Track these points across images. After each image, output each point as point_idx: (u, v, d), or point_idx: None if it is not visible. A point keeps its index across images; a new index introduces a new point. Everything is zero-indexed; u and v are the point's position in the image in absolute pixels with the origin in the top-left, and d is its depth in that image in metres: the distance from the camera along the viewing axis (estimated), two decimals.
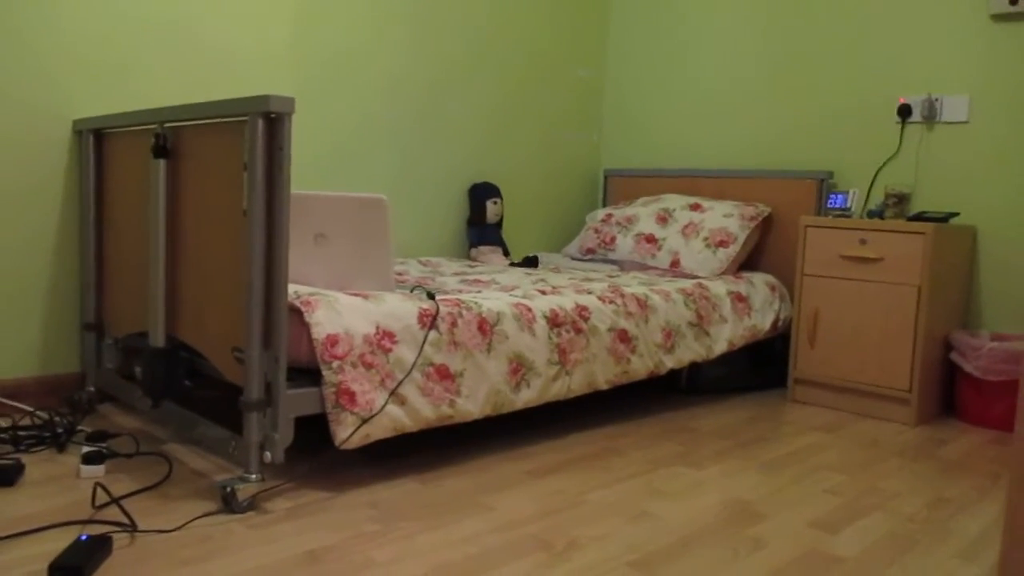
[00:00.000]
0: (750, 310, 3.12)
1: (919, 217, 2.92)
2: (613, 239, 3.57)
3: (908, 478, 2.26)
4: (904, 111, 3.21)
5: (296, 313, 1.91)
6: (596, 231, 3.66)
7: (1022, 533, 0.81)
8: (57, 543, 1.58)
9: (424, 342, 2.05)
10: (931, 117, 3.16)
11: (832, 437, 2.64)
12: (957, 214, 2.96)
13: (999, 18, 3.01)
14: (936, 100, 3.14)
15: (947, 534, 1.87)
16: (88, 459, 1.96)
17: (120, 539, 1.61)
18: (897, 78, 3.26)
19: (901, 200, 3.04)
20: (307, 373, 1.93)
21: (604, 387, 2.53)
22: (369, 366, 1.94)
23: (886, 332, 2.86)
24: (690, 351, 2.84)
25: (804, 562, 1.68)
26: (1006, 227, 3.02)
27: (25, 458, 2.05)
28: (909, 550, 1.77)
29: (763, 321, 3.16)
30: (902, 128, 3.25)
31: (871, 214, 3.06)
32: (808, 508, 1.99)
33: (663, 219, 3.50)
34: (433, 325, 2.08)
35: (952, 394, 3.02)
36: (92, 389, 2.52)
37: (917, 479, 2.25)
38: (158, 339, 2.11)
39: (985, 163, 3.06)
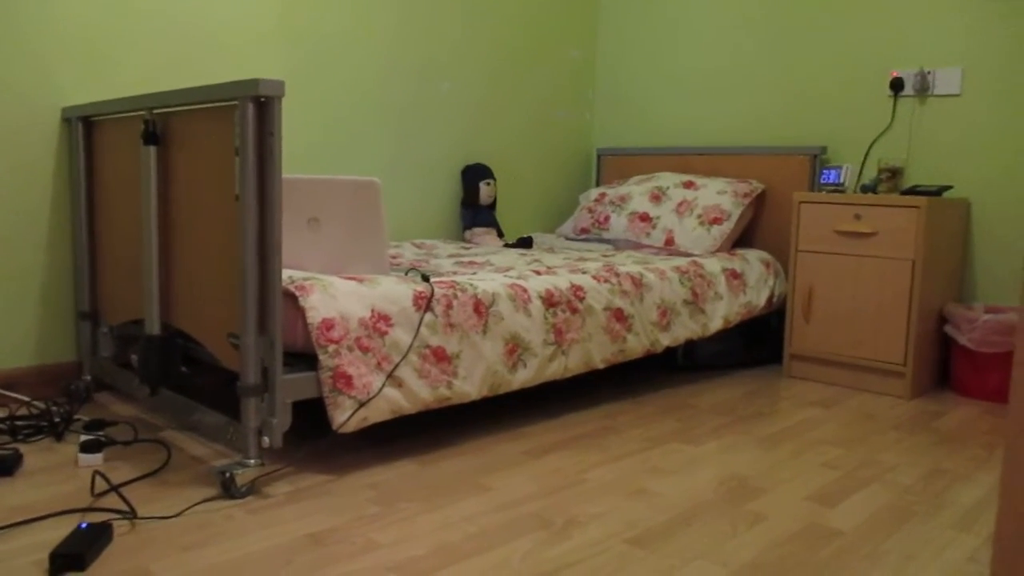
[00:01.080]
0: (745, 287, 3.12)
1: (912, 191, 2.92)
2: (607, 218, 3.56)
3: (904, 451, 2.27)
4: (896, 85, 3.20)
5: (291, 298, 1.91)
6: (590, 211, 3.65)
7: (1016, 504, 0.82)
8: (58, 531, 1.59)
9: (420, 324, 2.05)
10: (923, 90, 3.15)
11: (828, 411, 2.65)
12: (950, 187, 2.97)
13: None
14: (928, 73, 3.13)
15: (943, 505, 1.88)
16: (86, 447, 1.96)
17: (120, 526, 1.62)
18: (889, 52, 3.25)
19: (894, 174, 3.03)
20: (303, 358, 1.93)
21: (600, 366, 2.54)
22: (365, 349, 1.94)
23: (881, 306, 2.87)
24: (686, 329, 2.84)
25: (803, 536, 1.69)
26: (999, 200, 3.02)
27: (23, 448, 2.05)
28: (906, 521, 1.78)
29: (758, 298, 3.16)
30: (895, 102, 3.24)
31: (864, 189, 3.06)
32: (806, 482, 2.00)
33: (656, 197, 3.49)
34: (428, 307, 2.08)
35: (947, 367, 3.04)
36: (89, 378, 2.52)
37: (913, 451, 2.27)
38: (154, 327, 2.10)
39: (978, 136, 3.06)
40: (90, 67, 2.52)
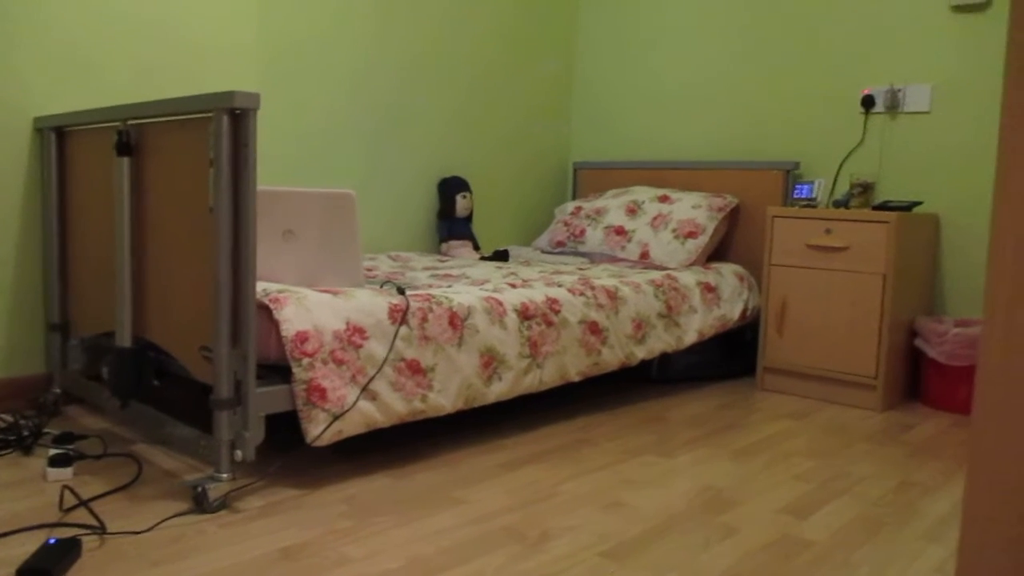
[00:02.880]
0: (719, 300, 3.15)
1: (883, 206, 2.96)
2: (583, 231, 3.58)
3: (875, 462, 2.30)
4: (867, 101, 3.25)
5: (265, 310, 1.90)
6: (566, 224, 3.67)
7: (979, 514, 0.83)
8: (25, 547, 1.56)
9: (395, 337, 2.05)
10: (894, 107, 3.20)
11: (801, 424, 2.67)
12: (920, 203, 3.01)
13: (960, 9, 3.05)
14: (899, 91, 3.19)
15: (913, 516, 1.90)
16: (55, 461, 1.93)
17: (90, 542, 1.60)
18: (860, 69, 3.31)
19: (866, 189, 3.08)
20: (277, 370, 1.92)
21: (576, 379, 2.55)
22: (340, 362, 1.94)
23: (853, 320, 2.90)
24: (660, 342, 2.86)
25: (775, 547, 1.70)
26: (968, 215, 3.07)
27: None
28: (876, 532, 1.80)
29: (732, 311, 3.19)
30: (866, 118, 3.29)
31: (836, 204, 3.10)
32: (778, 494, 2.01)
33: (632, 211, 3.52)
34: (404, 320, 2.08)
35: (917, 379, 3.08)
36: (58, 390, 2.48)
37: (884, 463, 2.29)
38: (125, 339, 2.08)
39: (947, 152, 3.11)
40: (63, 77, 2.50)
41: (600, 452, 2.30)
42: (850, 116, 3.34)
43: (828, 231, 2.95)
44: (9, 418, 2.29)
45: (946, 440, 2.55)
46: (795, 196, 3.18)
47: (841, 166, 3.36)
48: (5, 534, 1.61)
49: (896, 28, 3.21)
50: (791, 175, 3.43)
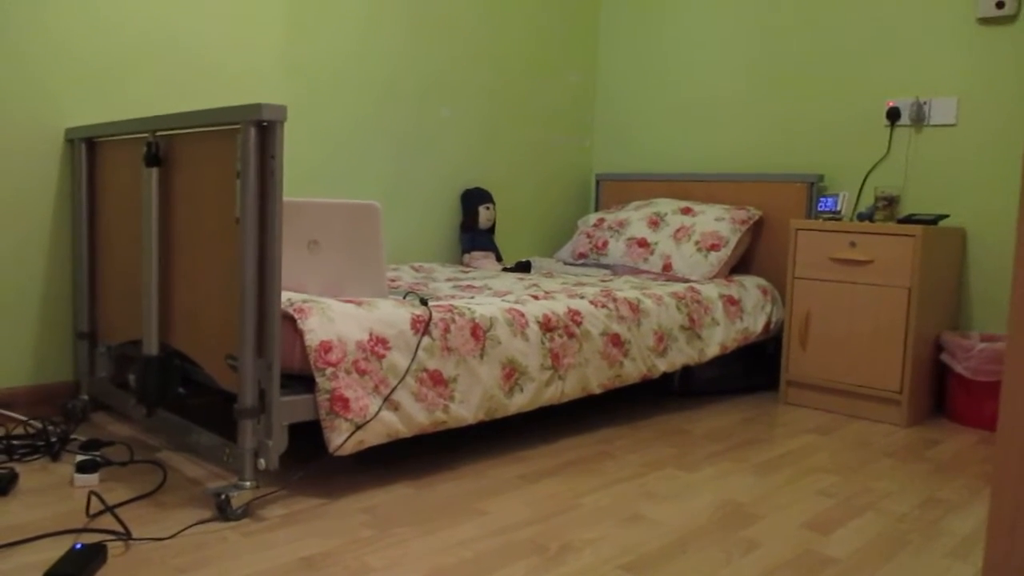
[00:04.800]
0: (742, 313, 3.13)
1: (909, 219, 2.94)
2: (605, 243, 3.58)
3: (900, 478, 2.27)
4: (893, 114, 3.23)
5: (289, 320, 1.92)
6: (588, 235, 3.67)
7: (1005, 530, 0.83)
8: (52, 552, 1.58)
9: (417, 348, 2.06)
10: (919, 120, 3.18)
11: (824, 439, 2.65)
12: (946, 216, 2.99)
13: (986, 21, 3.03)
14: (924, 103, 3.17)
15: (939, 533, 1.88)
16: (82, 468, 1.96)
17: (115, 547, 1.62)
18: (885, 82, 3.29)
19: (891, 202, 3.06)
20: (301, 380, 1.94)
21: (597, 391, 2.54)
22: (363, 372, 1.95)
23: (877, 334, 2.88)
24: (682, 354, 2.85)
25: (797, 563, 1.69)
26: (995, 228, 3.04)
27: (19, 467, 2.05)
28: (901, 550, 1.78)
29: (755, 324, 3.17)
30: (891, 131, 3.27)
31: (861, 217, 3.08)
32: (801, 509, 2.00)
33: (655, 223, 3.51)
34: (426, 331, 2.09)
35: (943, 395, 3.04)
36: (86, 398, 2.52)
37: (909, 479, 2.27)
38: (152, 347, 2.11)
39: (974, 165, 3.08)
40: (94, 89, 2.54)
41: (621, 465, 2.29)
42: (875, 129, 3.32)
43: (852, 244, 2.93)
44: (38, 424, 2.33)
45: (972, 456, 2.52)
46: (819, 209, 3.16)
47: (866, 179, 3.34)
48: (33, 538, 1.64)
49: (921, 40, 3.19)
50: (815, 187, 3.42)
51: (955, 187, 3.13)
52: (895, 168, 3.27)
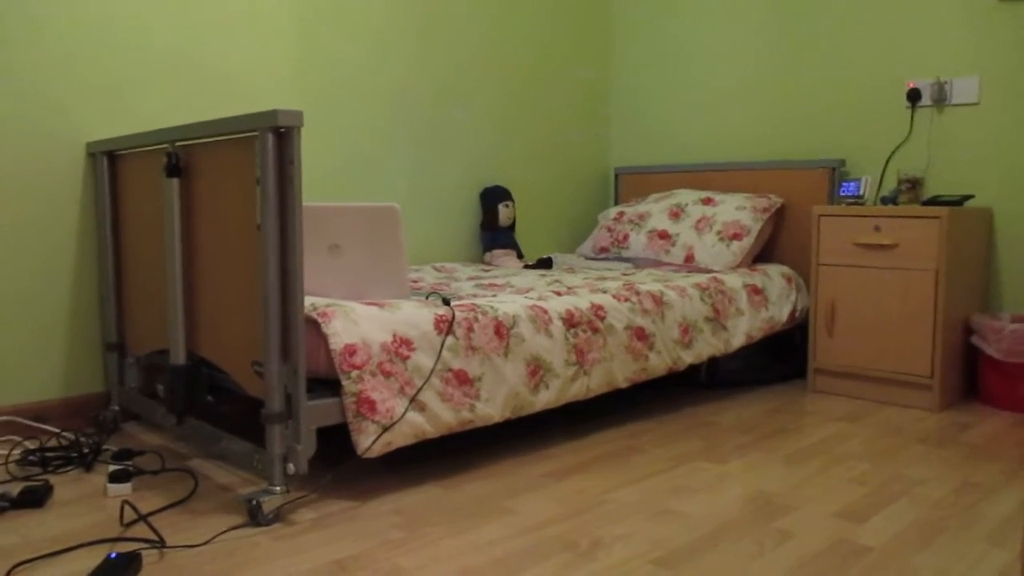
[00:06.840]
0: (767, 302, 3.11)
1: (933, 201, 2.90)
2: (626, 237, 3.57)
3: (933, 464, 2.24)
4: (913, 95, 3.19)
5: (313, 324, 1.93)
6: (609, 229, 3.66)
7: None
8: (88, 562, 1.60)
9: (441, 348, 2.06)
10: (941, 100, 3.14)
11: (855, 426, 2.62)
12: (972, 196, 2.94)
13: None
14: (945, 83, 3.12)
15: (975, 519, 1.86)
16: (115, 477, 1.98)
17: (149, 555, 1.63)
18: (905, 62, 3.25)
19: (914, 185, 3.02)
20: (327, 384, 1.95)
21: (623, 385, 2.53)
22: (388, 374, 1.95)
23: (905, 318, 2.84)
24: (708, 346, 2.83)
25: (831, 553, 1.67)
26: (1022, 207, 2.99)
27: (53, 479, 2.08)
28: (937, 536, 1.76)
29: (780, 313, 3.15)
30: (912, 112, 3.23)
31: (884, 200, 3.04)
32: (833, 498, 1.98)
33: (675, 214, 3.49)
34: (450, 331, 2.09)
35: (975, 378, 3.00)
36: (116, 408, 2.55)
37: (943, 465, 2.24)
38: (179, 356, 2.13)
39: (998, 144, 3.04)
40: (113, 104, 2.57)
41: (649, 459, 2.28)
42: (896, 110, 3.28)
43: (877, 228, 2.89)
44: (70, 436, 2.36)
45: (1007, 440, 2.48)
46: (841, 194, 3.12)
47: (888, 162, 3.30)
48: (69, 549, 1.66)
49: (941, 19, 3.14)
50: (836, 172, 3.38)
51: (980, 167, 3.08)
52: (917, 150, 3.22)
